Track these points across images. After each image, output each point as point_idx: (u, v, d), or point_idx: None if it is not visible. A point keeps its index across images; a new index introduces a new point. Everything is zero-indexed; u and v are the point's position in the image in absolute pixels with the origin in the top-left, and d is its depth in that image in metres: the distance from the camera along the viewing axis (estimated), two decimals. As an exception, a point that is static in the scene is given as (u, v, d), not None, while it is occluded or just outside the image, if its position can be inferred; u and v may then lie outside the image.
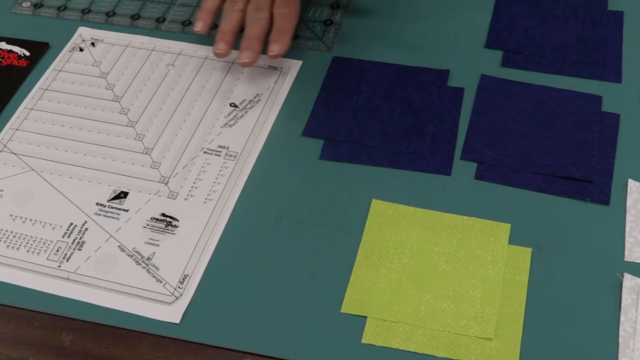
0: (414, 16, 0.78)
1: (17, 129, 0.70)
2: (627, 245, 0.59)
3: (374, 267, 0.59)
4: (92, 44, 0.78)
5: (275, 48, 0.71)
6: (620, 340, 0.54)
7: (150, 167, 0.66)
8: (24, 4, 0.83)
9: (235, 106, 0.71)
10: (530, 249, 0.59)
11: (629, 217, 0.60)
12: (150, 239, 0.61)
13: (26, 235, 0.62)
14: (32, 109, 0.72)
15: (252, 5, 0.74)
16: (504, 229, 0.60)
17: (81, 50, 0.77)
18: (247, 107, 0.71)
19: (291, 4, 0.74)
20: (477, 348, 0.54)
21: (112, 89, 0.73)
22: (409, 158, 0.65)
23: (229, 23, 0.73)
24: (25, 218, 0.63)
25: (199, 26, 0.74)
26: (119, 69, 0.75)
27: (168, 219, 0.63)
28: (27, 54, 0.77)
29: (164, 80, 0.74)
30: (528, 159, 0.64)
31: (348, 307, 0.57)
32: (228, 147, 0.68)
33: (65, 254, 0.61)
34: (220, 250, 0.60)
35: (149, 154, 0.67)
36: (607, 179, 0.63)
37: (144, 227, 0.62)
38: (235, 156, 0.67)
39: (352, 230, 0.61)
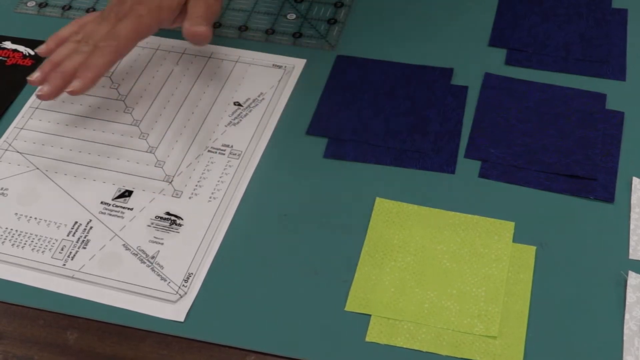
0: (418, 14, 0.78)
1: (22, 128, 0.71)
2: (632, 243, 0.59)
3: (378, 265, 0.59)
4: (97, 43, 0.78)
5: (73, 84, 0.65)
6: (624, 338, 0.54)
7: (155, 166, 0.67)
8: (28, 4, 0.83)
9: (239, 105, 0.71)
10: (534, 247, 0.59)
11: (633, 215, 0.60)
12: (154, 237, 0.62)
13: (31, 234, 0.62)
14: (36, 108, 0.72)
15: (83, 37, 0.69)
16: (508, 227, 0.60)
17: (85, 49, 0.78)
18: (251, 105, 0.71)
19: (116, 39, 0.67)
20: (481, 346, 0.54)
21: (116, 88, 0.73)
22: (412, 156, 0.65)
23: (58, 54, 0.69)
24: (30, 217, 0.64)
25: (40, 49, 0.71)
26: (123, 68, 0.75)
27: (172, 218, 0.63)
28: (32, 53, 0.77)
29: (168, 79, 0.74)
30: (532, 157, 0.64)
31: (352, 305, 0.57)
32: (232, 146, 0.68)
33: (70, 252, 0.61)
34: (225, 249, 0.61)
35: (154, 153, 0.68)
36: (612, 176, 0.63)
37: (149, 226, 0.62)
38: (239, 155, 0.67)
39: (356, 228, 0.61)
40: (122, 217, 0.63)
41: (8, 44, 0.78)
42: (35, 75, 0.67)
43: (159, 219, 0.63)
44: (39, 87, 0.66)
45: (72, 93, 0.65)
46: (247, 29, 0.78)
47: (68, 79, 0.66)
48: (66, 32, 0.71)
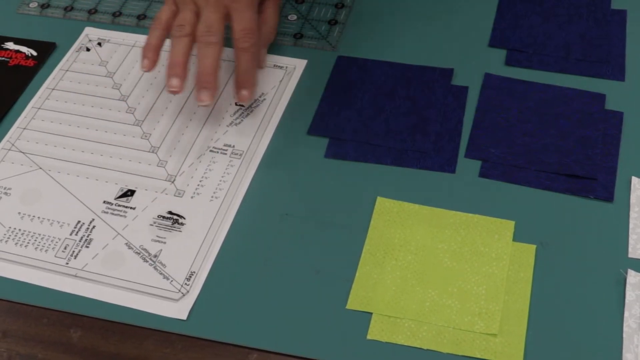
0: (418, 15, 0.78)
1: (24, 128, 0.71)
2: (631, 242, 0.59)
3: (379, 264, 0.59)
4: (99, 44, 0.78)
5: (244, 94, 0.67)
6: (624, 336, 0.54)
7: (157, 166, 0.67)
8: (31, 5, 0.83)
9: (241, 105, 0.71)
10: (534, 246, 0.59)
11: (632, 214, 0.61)
12: (157, 236, 0.62)
13: (34, 233, 0.63)
14: (39, 108, 0.73)
15: (201, 27, 0.66)
16: (508, 226, 0.60)
17: (88, 50, 0.78)
18: (253, 106, 0.71)
19: (253, 32, 0.66)
20: (481, 344, 0.54)
21: (118, 89, 0.74)
22: (413, 156, 0.66)
23: (177, 53, 0.66)
24: (33, 216, 0.64)
25: (145, 65, 0.67)
26: (125, 68, 0.76)
27: (175, 217, 0.63)
28: (35, 53, 0.77)
29: (170, 80, 0.74)
30: (532, 156, 0.65)
31: (353, 303, 0.57)
32: (234, 146, 0.68)
33: (73, 251, 0.61)
34: (227, 248, 0.61)
35: (156, 153, 0.68)
36: (611, 176, 0.63)
37: (151, 225, 0.63)
38: (241, 155, 0.67)
39: (357, 227, 0.61)
40: (125, 217, 0.63)
41: (11, 45, 0.79)
42: (174, 85, 0.65)
43: (161, 218, 0.63)
44: (199, 97, 0.65)
45: (245, 102, 0.68)
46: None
47: (217, 76, 0.65)
48: (155, 39, 0.68)
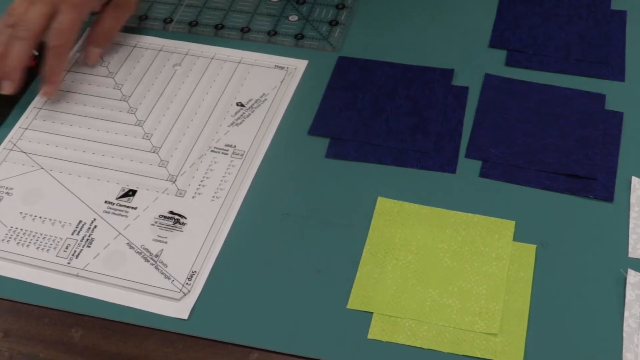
0: (418, 15, 0.78)
1: (26, 128, 0.71)
2: (631, 241, 0.59)
3: (380, 263, 0.59)
4: (100, 44, 0.79)
5: (46, 90, 0.71)
6: (624, 335, 0.54)
7: (158, 166, 0.67)
8: (32, 5, 0.83)
9: (242, 105, 0.72)
10: (534, 246, 0.59)
11: (632, 214, 0.61)
12: (158, 236, 0.62)
13: (36, 233, 0.63)
14: (41, 108, 0.73)
15: (19, 20, 0.68)
16: (509, 226, 0.61)
17: (89, 50, 0.78)
18: (254, 106, 0.71)
19: (64, 36, 0.69)
20: (482, 343, 0.55)
21: (120, 89, 0.74)
22: (413, 156, 0.66)
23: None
24: (35, 216, 0.64)
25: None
26: (126, 69, 0.76)
27: (176, 217, 0.63)
28: (36, 53, 0.77)
29: (172, 80, 0.74)
30: (532, 156, 0.65)
31: (354, 303, 0.57)
32: (235, 146, 0.68)
33: (75, 251, 0.62)
34: (228, 247, 0.61)
35: (157, 153, 0.68)
36: (611, 176, 0.63)
37: (152, 225, 0.63)
38: (242, 155, 0.67)
39: (357, 227, 0.62)
40: (126, 216, 0.64)
41: (12, 45, 0.79)
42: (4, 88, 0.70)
43: (162, 217, 0.63)
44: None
45: (44, 96, 0.72)
46: (250, 31, 0.79)
47: (20, 70, 0.70)
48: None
